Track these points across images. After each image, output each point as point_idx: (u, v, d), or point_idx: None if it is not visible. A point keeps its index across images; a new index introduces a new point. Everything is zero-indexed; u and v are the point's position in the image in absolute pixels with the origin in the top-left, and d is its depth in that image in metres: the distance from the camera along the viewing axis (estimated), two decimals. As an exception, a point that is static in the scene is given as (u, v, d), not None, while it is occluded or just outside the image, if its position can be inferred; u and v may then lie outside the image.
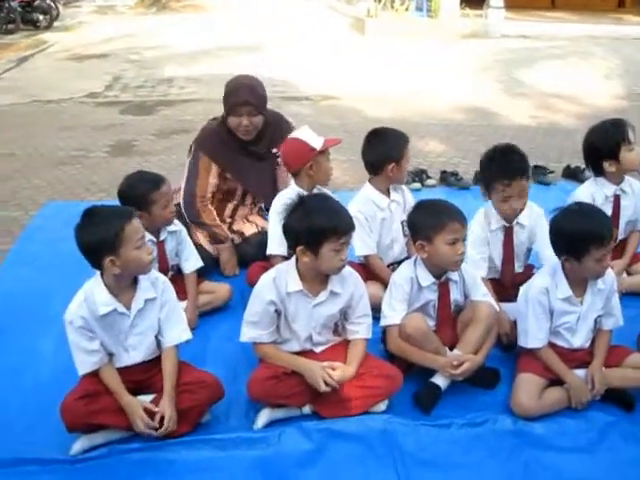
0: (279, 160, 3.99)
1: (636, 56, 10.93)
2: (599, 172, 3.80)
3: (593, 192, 3.77)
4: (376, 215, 3.57)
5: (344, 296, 2.82)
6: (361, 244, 3.52)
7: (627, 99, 9.42)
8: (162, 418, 2.55)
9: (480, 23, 15.05)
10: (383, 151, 3.55)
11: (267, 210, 4.14)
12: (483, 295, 3.04)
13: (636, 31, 16.94)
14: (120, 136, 7.26)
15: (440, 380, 2.89)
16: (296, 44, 13.55)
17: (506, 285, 3.41)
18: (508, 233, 3.39)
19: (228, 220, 4.11)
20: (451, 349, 2.93)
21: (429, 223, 2.87)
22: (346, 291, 2.83)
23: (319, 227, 2.64)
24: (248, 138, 3.91)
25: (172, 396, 2.60)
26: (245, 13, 19.24)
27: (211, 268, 3.88)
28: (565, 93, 9.55)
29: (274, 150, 4.02)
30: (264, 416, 2.73)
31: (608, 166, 3.73)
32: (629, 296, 3.57)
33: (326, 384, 2.67)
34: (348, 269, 2.86)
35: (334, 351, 2.88)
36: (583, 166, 5.82)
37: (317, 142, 3.47)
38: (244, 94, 3.81)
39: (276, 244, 3.49)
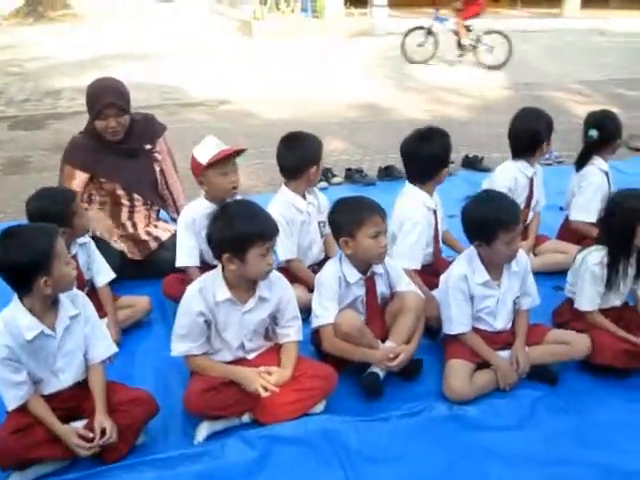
0: (157, 156, 4.06)
1: (516, 47, 11.44)
2: (529, 155, 3.98)
3: (516, 175, 3.96)
4: (296, 218, 3.58)
5: (273, 301, 2.82)
6: (283, 249, 3.52)
7: (513, 89, 9.87)
8: (102, 432, 2.46)
9: (365, 22, 15.38)
10: (304, 155, 3.57)
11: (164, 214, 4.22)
12: (407, 285, 3.11)
13: (512, 23, 17.71)
14: (11, 153, 6.92)
15: (377, 370, 2.94)
16: (185, 50, 13.37)
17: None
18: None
19: (129, 225, 4.01)
20: (383, 341, 2.97)
21: (350, 219, 2.91)
22: (274, 295, 2.82)
23: (244, 233, 2.63)
24: (117, 138, 3.88)
25: (106, 410, 2.51)
26: (128, 21, 18.80)
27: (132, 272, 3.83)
28: (454, 86, 9.90)
29: (148, 146, 4.03)
30: (204, 429, 2.68)
31: (545, 146, 3.96)
32: (538, 275, 3.72)
33: (265, 389, 2.66)
34: (275, 273, 2.87)
35: (267, 356, 2.87)
36: (481, 155, 6.11)
37: (205, 156, 3.40)
38: (108, 97, 3.78)
39: (184, 256, 3.48)
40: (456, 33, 11.66)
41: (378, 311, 3.07)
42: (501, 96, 9.34)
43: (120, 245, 3.93)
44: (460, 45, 11.67)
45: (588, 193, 3.98)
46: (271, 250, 2.71)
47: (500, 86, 10.09)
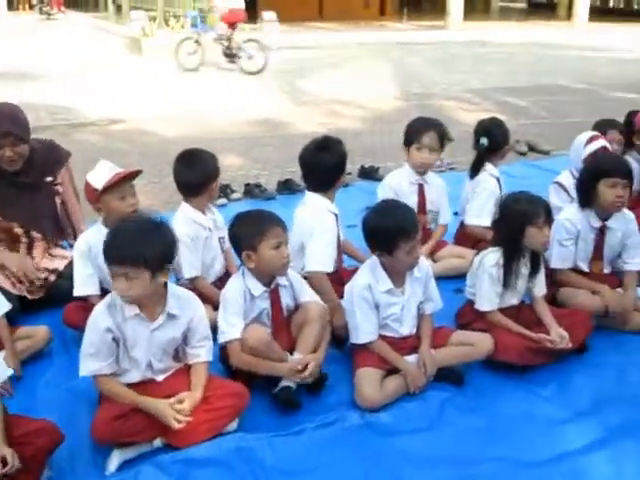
0: (58, 189, 3.90)
1: (404, 59, 11.81)
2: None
3: (401, 180, 4.16)
4: (200, 234, 3.55)
5: (184, 319, 2.77)
6: (188, 266, 3.47)
7: (403, 99, 10.16)
8: (3, 462, 2.32)
9: (256, 37, 15.40)
10: (204, 171, 3.57)
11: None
12: (311, 295, 3.13)
13: (399, 36, 18.27)
14: None
15: (289, 383, 2.93)
16: (73, 69, 12.97)
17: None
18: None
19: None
20: (291, 353, 2.97)
21: (251, 232, 2.91)
22: (185, 314, 2.77)
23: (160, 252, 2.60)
24: (15, 168, 3.70)
25: (4, 441, 2.36)
26: (7, 40, 18.06)
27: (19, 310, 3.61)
28: (347, 99, 10.09)
29: (48, 179, 3.86)
30: (115, 458, 2.59)
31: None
32: (439, 280, 3.82)
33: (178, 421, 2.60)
34: (186, 292, 2.84)
35: (176, 378, 2.81)
36: (377, 165, 6.24)
37: (99, 182, 3.31)
38: (4, 124, 3.60)
39: (81, 285, 3.39)
40: (222, 42, 13.00)
41: (284, 323, 3.08)
42: (393, 107, 9.60)
43: (19, 289, 3.71)
44: (226, 53, 12.98)
45: (481, 198, 4.16)
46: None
47: (391, 96, 10.36)
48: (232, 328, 2.91)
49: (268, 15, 15.29)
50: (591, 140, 4.21)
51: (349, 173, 6.11)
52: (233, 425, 2.77)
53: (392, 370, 3.02)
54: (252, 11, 15.62)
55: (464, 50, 17.11)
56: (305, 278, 3.26)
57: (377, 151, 7.08)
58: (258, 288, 2.98)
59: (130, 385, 2.72)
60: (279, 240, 2.91)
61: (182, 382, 2.78)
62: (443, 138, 4.11)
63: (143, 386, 2.74)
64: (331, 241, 3.47)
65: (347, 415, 2.86)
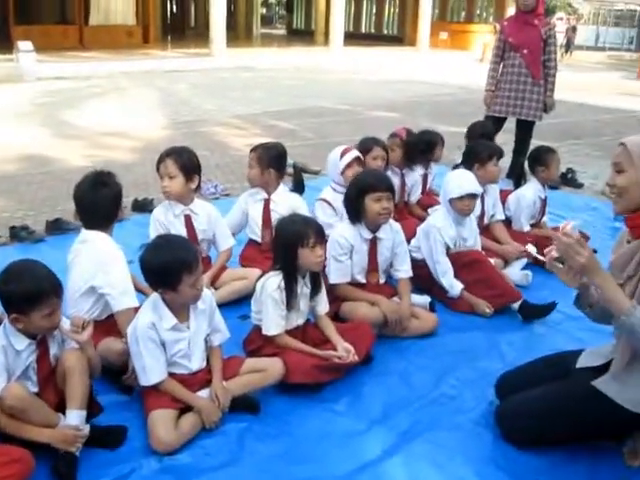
0: None
1: (170, 87, 11.72)
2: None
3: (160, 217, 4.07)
4: None
5: None
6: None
7: (172, 128, 10.05)
8: None
9: (11, 67, 14.47)
10: None
11: None
12: (68, 343, 2.89)
13: (165, 64, 18.14)
14: None
15: (73, 448, 2.67)
16: None
17: None
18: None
19: None
20: (62, 410, 2.74)
21: (24, 298, 2.60)
22: None
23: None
24: None
25: None
26: None
27: None
28: (115, 130, 9.76)
29: None
30: None
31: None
32: (223, 308, 3.73)
33: None
34: None
35: None
36: (151, 197, 6.08)
37: None
38: None
39: None
40: None
41: (51, 377, 2.80)
42: (163, 135, 9.45)
43: None
44: None
45: None
46: None
47: (159, 125, 10.20)
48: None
49: (24, 45, 14.41)
50: (344, 153, 4.46)
51: (125, 206, 5.91)
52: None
53: (186, 408, 2.92)
54: (5, 41, 14.65)
55: (230, 76, 17.40)
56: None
57: (150, 182, 6.90)
58: (22, 342, 2.69)
59: None
60: (53, 309, 2.66)
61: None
62: (185, 164, 3.95)
63: None
64: (128, 273, 3.30)
65: (144, 463, 2.71)
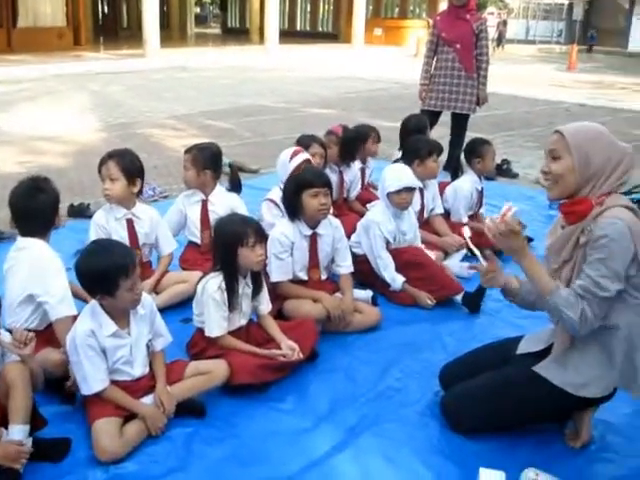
0: None
1: (103, 90, 11.49)
2: None
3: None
4: None
5: None
6: None
7: (106, 131, 9.85)
8: None
9: None
10: None
11: None
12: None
13: (95, 66, 17.80)
14: None
15: (16, 465, 2.57)
16: None
17: None
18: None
19: None
20: (5, 425, 2.65)
21: None
22: None
23: None
24: None
25: None
26: None
27: None
28: (47, 134, 9.51)
29: None
30: None
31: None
32: (164, 312, 3.66)
33: None
34: None
35: None
36: (87, 202, 5.96)
37: None
38: None
39: None
40: None
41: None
42: (97, 138, 9.26)
43: None
44: None
45: None
46: None
47: (92, 129, 9.99)
48: None
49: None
50: (294, 154, 4.44)
51: (62, 213, 5.76)
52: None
53: (130, 416, 2.86)
54: None
55: (165, 77, 17.18)
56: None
57: (85, 186, 6.76)
58: None
59: None
60: None
61: None
62: (127, 167, 3.87)
63: None
64: (66, 281, 3.19)
65: (89, 474, 2.64)
